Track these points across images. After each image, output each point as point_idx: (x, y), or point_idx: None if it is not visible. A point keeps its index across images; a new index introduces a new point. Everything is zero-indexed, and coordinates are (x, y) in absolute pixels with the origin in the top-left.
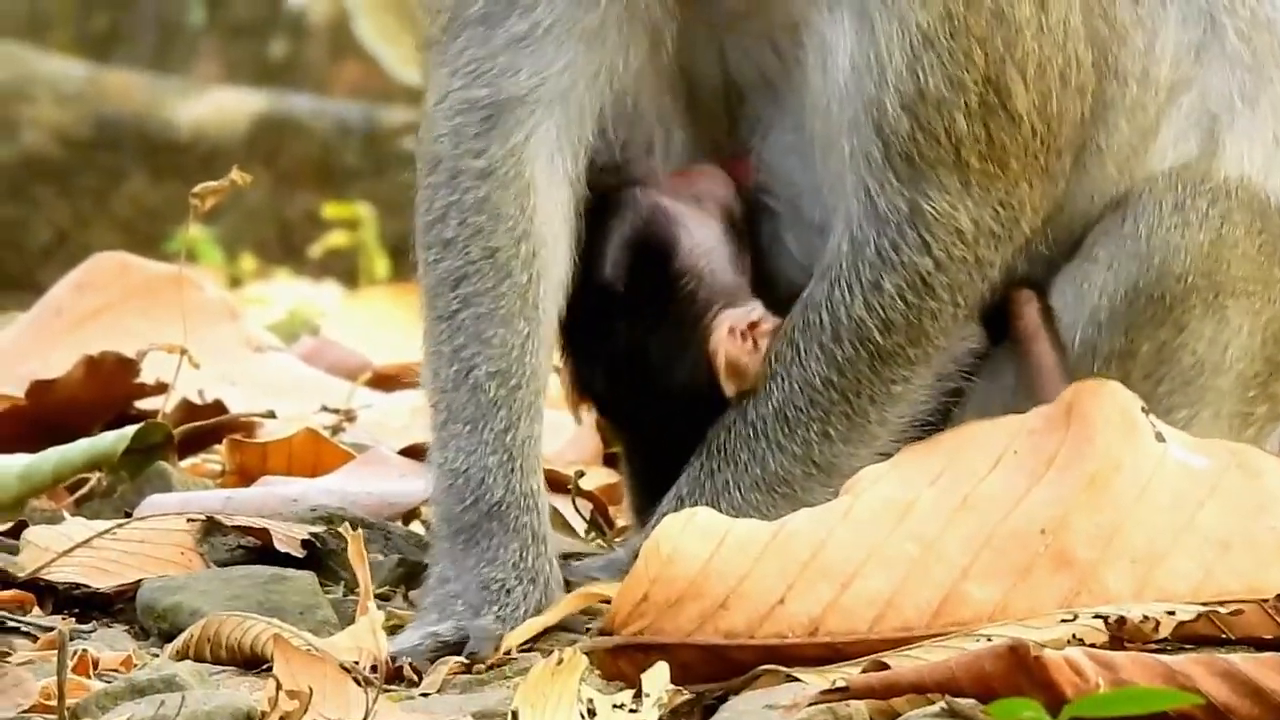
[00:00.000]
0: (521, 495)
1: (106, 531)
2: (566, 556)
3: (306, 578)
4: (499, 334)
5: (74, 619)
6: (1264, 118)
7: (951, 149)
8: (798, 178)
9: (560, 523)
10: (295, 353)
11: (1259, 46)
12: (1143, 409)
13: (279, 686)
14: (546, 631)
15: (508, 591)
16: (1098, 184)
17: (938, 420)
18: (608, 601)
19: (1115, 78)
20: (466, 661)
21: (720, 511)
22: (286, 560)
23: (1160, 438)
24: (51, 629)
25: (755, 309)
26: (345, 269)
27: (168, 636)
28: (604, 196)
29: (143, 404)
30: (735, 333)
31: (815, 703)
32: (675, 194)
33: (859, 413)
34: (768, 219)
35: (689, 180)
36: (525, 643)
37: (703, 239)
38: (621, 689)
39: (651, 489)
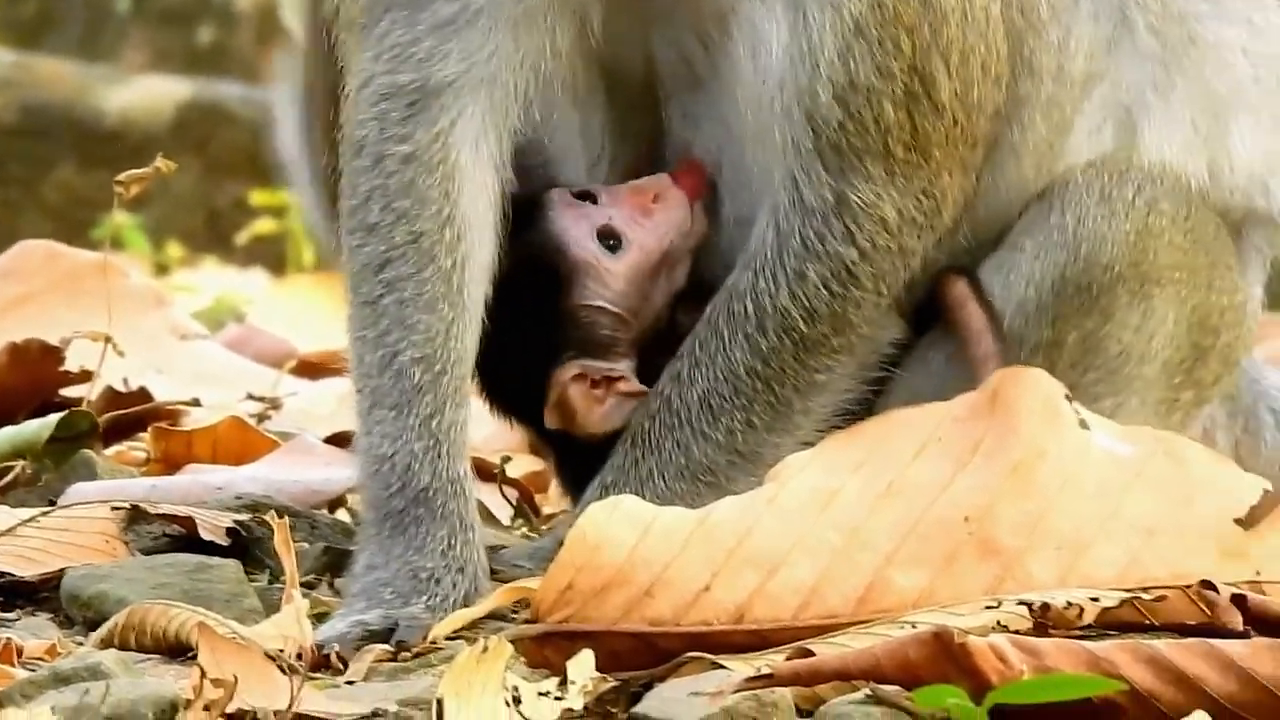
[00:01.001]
0: (449, 481)
1: (30, 519)
2: (492, 548)
3: (232, 566)
4: (423, 319)
5: None
6: (1179, 108)
7: (879, 138)
8: (720, 169)
9: (483, 512)
10: (221, 340)
11: (1170, 39)
12: (1066, 397)
13: (204, 674)
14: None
15: (437, 581)
16: (1013, 180)
17: (862, 410)
18: None
19: (1031, 74)
20: (393, 650)
21: (645, 500)
22: (212, 549)
23: (1084, 425)
24: None
25: (619, 369)
26: (273, 256)
27: (92, 625)
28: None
29: (67, 392)
30: (586, 379)
31: (740, 690)
32: (612, 219)
33: (783, 402)
34: None
35: (641, 204)
36: None
37: (593, 296)
38: (547, 677)
39: (571, 473)
